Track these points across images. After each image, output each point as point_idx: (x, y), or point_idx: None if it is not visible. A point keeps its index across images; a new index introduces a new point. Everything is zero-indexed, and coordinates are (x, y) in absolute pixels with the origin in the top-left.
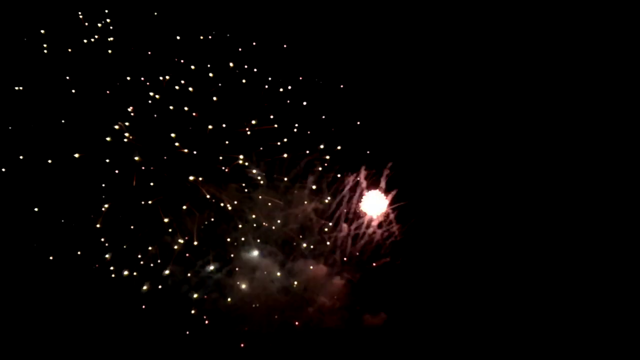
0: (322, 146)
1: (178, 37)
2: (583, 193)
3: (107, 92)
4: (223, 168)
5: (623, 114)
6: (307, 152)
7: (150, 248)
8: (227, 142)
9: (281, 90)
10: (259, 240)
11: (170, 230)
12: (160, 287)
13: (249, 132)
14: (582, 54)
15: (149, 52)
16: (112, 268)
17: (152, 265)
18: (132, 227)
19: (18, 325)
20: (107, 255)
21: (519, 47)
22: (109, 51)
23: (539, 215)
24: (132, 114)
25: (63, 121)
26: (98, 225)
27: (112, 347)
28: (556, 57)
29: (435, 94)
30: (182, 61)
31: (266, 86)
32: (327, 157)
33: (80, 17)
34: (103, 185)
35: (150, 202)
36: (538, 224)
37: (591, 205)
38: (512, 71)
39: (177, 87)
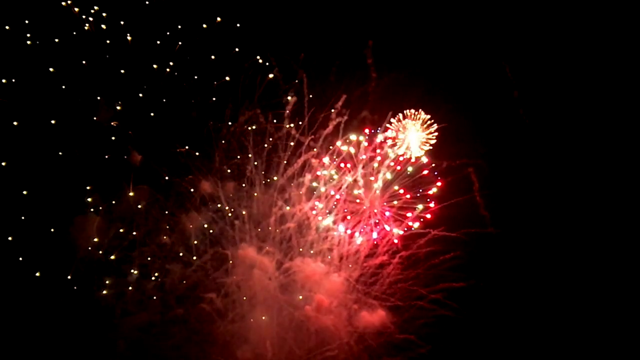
0: (320, 144)
1: (180, 26)
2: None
3: (100, 87)
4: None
5: None
6: (306, 150)
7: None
8: (224, 141)
9: (279, 88)
10: (257, 239)
11: (166, 233)
12: (158, 286)
13: (247, 129)
14: None
15: (146, 46)
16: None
17: (150, 264)
18: (129, 226)
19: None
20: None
21: None
22: (103, 43)
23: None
24: (128, 112)
25: (53, 121)
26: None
27: (110, 346)
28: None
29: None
30: (179, 57)
31: (270, 76)
32: (326, 155)
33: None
34: (99, 184)
35: (146, 201)
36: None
37: None
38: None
39: (175, 85)
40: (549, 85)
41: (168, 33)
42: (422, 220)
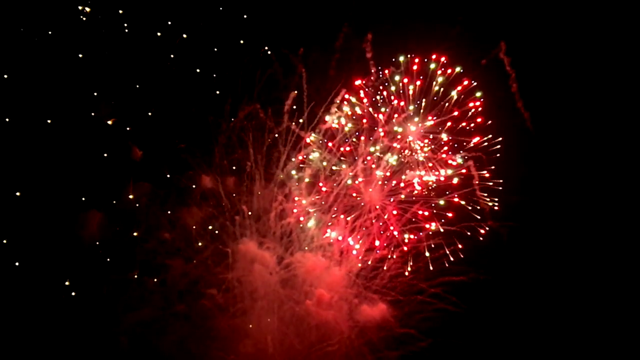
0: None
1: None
2: None
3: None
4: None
5: None
6: (305, 144)
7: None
8: (223, 136)
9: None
10: (257, 233)
11: (167, 229)
12: (159, 282)
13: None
14: None
15: (145, 40)
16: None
17: (151, 260)
18: (130, 222)
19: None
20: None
21: None
22: (100, 34)
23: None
24: (127, 108)
25: (49, 121)
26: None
27: (112, 342)
28: None
29: None
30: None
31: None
32: (326, 149)
33: None
34: (100, 181)
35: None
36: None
37: None
38: None
39: (174, 80)
40: (549, 78)
41: (169, 22)
42: (443, 221)
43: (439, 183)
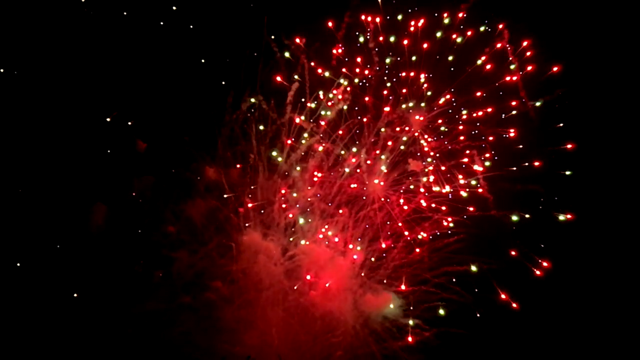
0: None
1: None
2: None
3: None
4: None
5: None
6: (309, 136)
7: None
8: (226, 128)
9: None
10: (261, 225)
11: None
12: (164, 274)
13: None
14: None
15: (145, 33)
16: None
17: (156, 253)
18: (135, 215)
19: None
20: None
21: None
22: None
23: None
24: (129, 101)
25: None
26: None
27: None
28: None
29: None
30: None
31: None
32: (328, 141)
33: None
34: (104, 173)
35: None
36: None
37: None
38: None
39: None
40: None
41: (174, 7)
42: (465, 217)
43: (456, 195)
